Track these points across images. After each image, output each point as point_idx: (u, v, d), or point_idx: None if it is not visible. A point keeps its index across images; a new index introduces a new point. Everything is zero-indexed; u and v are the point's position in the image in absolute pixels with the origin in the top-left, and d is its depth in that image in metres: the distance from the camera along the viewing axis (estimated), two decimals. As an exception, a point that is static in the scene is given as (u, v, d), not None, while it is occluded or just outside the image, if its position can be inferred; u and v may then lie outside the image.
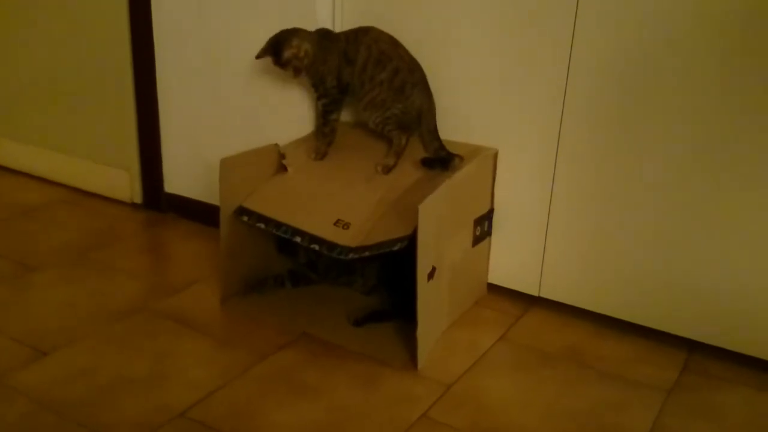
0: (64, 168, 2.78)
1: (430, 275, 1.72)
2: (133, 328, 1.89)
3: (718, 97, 1.68)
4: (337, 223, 1.80)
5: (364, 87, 1.92)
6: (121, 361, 1.75)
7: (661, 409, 1.64)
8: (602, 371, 1.77)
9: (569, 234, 1.93)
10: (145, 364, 1.74)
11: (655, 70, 1.72)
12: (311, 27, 1.96)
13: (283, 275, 2.07)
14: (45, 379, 1.67)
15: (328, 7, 2.07)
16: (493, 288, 2.09)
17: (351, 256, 1.74)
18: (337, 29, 2.02)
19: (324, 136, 2.00)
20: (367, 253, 1.74)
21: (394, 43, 1.92)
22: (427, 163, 1.91)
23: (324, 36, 1.95)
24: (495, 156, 1.97)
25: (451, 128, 1.98)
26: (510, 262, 2.04)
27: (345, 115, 2.07)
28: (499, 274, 2.07)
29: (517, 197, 1.98)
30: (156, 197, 2.60)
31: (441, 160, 1.90)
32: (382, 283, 2.00)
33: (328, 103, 1.97)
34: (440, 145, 1.93)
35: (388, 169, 1.92)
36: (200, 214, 2.47)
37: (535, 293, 2.03)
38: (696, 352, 1.84)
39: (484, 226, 2.00)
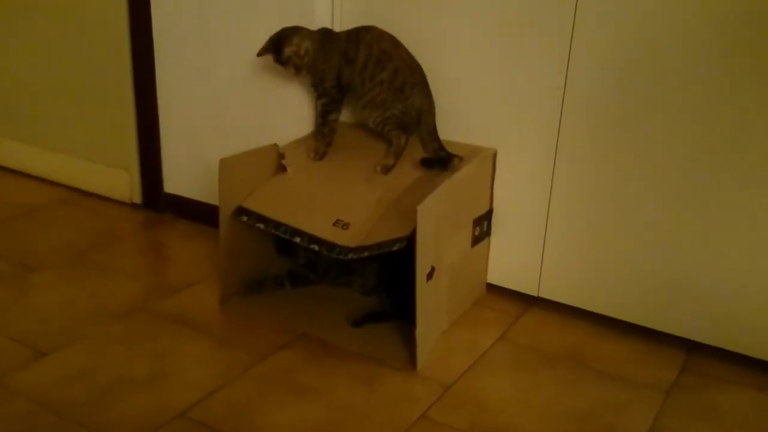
0: (64, 168, 2.78)
1: (430, 275, 1.72)
2: (132, 329, 1.89)
3: (718, 96, 1.68)
4: (336, 223, 1.80)
5: (365, 86, 1.92)
6: (120, 362, 1.75)
7: (660, 409, 1.64)
8: (602, 371, 1.77)
9: (569, 234, 1.93)
10: (144, 364, 1.74)
11: (654, 70, 1.72)
12: (310, 27, 1.96)
13: (283, 275, 2.07)
14: (45, 379, 1.67)
15: (326, 7, 2.07)
16: (493, 288, 2.09)
17: (350, 256, 1.74)
18: (337, 29, 2.02)
19: (323, 136, 2.01)
20: (366, 254, 1.74)
21: (395, 43, 1.92)
22: (427, 164, 1.91)
23: (325, 35, 1.95)
24: (494, 156, 1.97)
25: (451, 128, 1.98)
26: (509, 262, 2.04)
27: (344, 115, 2.07)
28: (498, 275, 2.07)
29: (516, 197, 1.98)
30: (155, 197, 2.59)
31: (440, 160, 1.90)
32: (382, 284, 1.99)
33: (328, 102, 1.98)
34: (439, 145, 1.93)
35: (387, 170, 1.92)
36: (200, 214, 2.47)
37: (534, 293, 2.03)
38: (695, 353, 1.84)
39: (483, 226, 2.00)
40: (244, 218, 1.87)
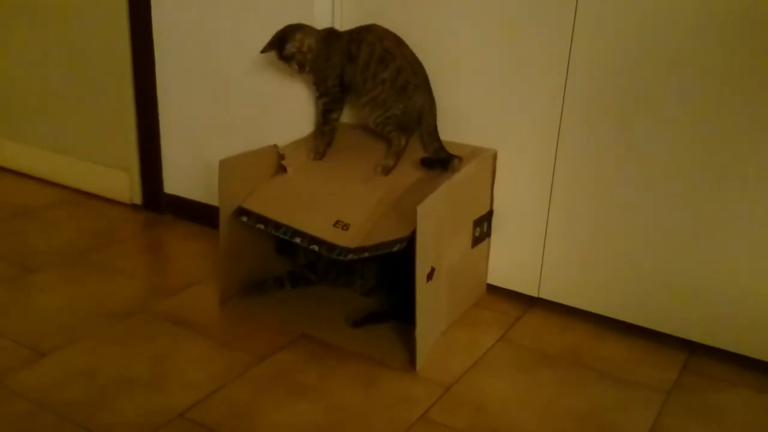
0: (64, 169, 2.78)
1: (429, 276, 1.72)
2: (132, 329, 1.89)
3: (718, 97, 1.68)
4: (336, 224, 1.80)
5: (366, 85, 1.92)
6: (120, 362, 1.75)
7: (660, 409, 1.64)
8: (602, 372, 1.77)
9: (569, 235, 1.93)
10: (144, 364, 1.74)
11: (654, 71, 1.72)
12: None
13: (283, 276, 2.07)
14: (44, 379, 1.67)
15: (326, 7, 2.07)
16: (493, 289, 2.09)
17: (350, 257, 1.74)
18: (337, 29, 2.02)
19: (323, 135, 2.01)
20: (366, 254, 1.74)
21: (398, 42, 1.92)
22: (427, 164, 1.91)
23: (329, 34, 1.96)
24: (494, 157, 1.97)
25: (451, 129, 1.98)
26: (509, 263, 2.04)
27: (345, 116, 2.07)
28: (498, 275, 2.07)
29: (516, 198, 1.98)
30: (155, 198, 2.60)
31: (440, 160, 1.90)
32: (382, 284, 1.99)
33: (329, 101, 1.98)
34: (440, 146, 1.93)
35: (387, 170, 1.92)
36: (200, 215, 2.47)
37: (534, 294, 2.03)
38: (696, 354, 1.84)
39: (483, 227, 2.00)
40: (244, 219, 1.87)
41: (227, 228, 1.91)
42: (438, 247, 1.77)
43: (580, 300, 1.97)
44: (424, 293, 1.70)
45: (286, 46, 1.92)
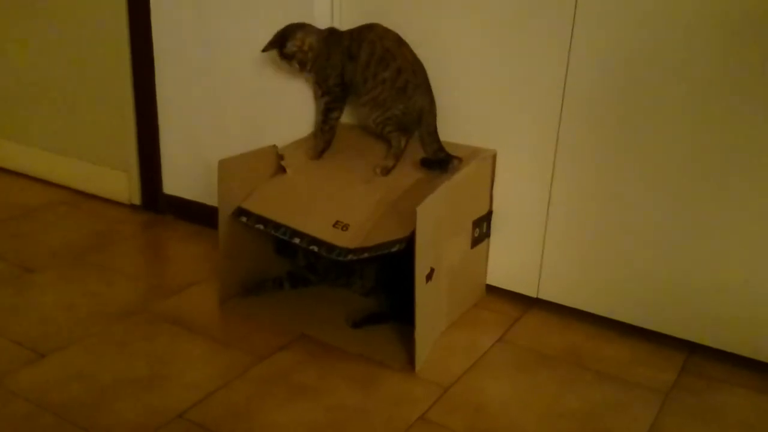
0: (63, 169, 2.78)
1: (429, 277, 1.72)
2: (131, 330, 1.89)
3: (718, 96, 1.68)
4: (336, 224, 1.80)
5: (367, 84, 1.92)
6: (119, 363, 1.75)
7: (659, 410, 1.64)
8: (601, 373, 1.77)
9: (568, 235, 1.94)
10: (143, 365, 1.74)
11: (654, 70, 1.73)
12: (310, 28, 1.97)
13: (282, 277, 2.07)
14: (43, 380, 1.67)
15: (326, 7, 2.07)
16: (492, 289, 2.09)
17: (350, 257, 1.74)
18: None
19: (323, 133, 2.01)
20: (365, 255, 1.74)
21: (399, 42, 1.92)
22: (426, 165, 1.92)
23: (330, 33, 1.96)
24: (494, 157, 1.97)
25: (450, 129, 1.98)
26: (508, 263, 2.04)
27: (344, 116, 2.06)
28: (497, 276, 2.07)
29: (515, 199, 1.98)
30: (155, 199, 2.60)
31: (440, 161, 1.90)
32: (381, 285, 1.99)
33: (331, 101, 1.98)
34: (439, 146, 1.93)
35: (386, 171, 1.92)
36: (199, 215, 2.47)
37: (533, 295, 2.03)
38: (695, 354, 1.84)
39: (482, 227, 2.00)
40: (244, 219, 1.87)
41: (226, 228, 1.91)
42: (437, 248, 1.77)
43: (580, 301, 1.97)
44: (424, 294, 1.70)
45: (288, 44, 1.92)
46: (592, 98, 1.81)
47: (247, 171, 1.92)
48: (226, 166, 1.85)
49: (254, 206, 1.88)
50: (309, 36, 1.92)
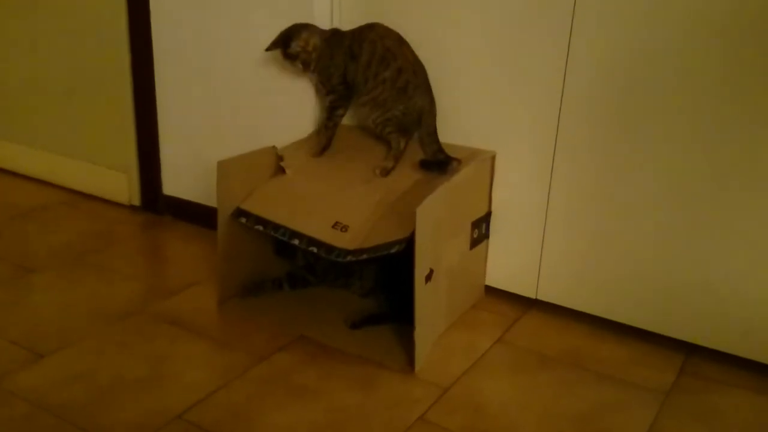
0: (63, 170, 2.78)
1: (428, 278, 1.72)
2: (131, 330, 1.89)
3: (718, 96, 1.68)
4: (335, 225, 1.80)
5: (368, 84, 1.92)
6: (119, 364, 1.75)
7: (658, 411, 1.64)
8: (600, 373, 1.77)
9: (567, 237, 1.94)
10: (142, 366, 1.74)
11: (654, 71, 1.73)
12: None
13: (281, 278, 2.07)
14: (43, 381, 1.67)
15: (326, 8, 2.07)
16: (491, 291, 2.09)
17: (349, 258, 1.74)
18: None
19: (326, 129, 2.01)
20: (365, 256, 1.74)
21: (400, 41, 1.92)
22: (425, 166, 1.92)
23: (333, 33, 1.96)
24: (493, 159, 1.97)
25: (450, 131, 1.98)
26: (507, 264, 2.05)
27: (344, 117, 2.06)
28: (496, 277, 2.08)
29: (514, 200, 1.98)
30: (154, 199, 2.60)
31: (439, 163, 1.90)
32: (380, 286, 2.00)
33: (336, 99, 1.98)
34: (439, 147, 1.93)
35: (386, 172, 1.93)
36: (198, 216, 2.47)
37: (532, 296, 2.03)
38: (694, 355, 1.84)
39: (481, 228, 2.00)
40: (243, 220, 1.87)
41: (226, 229, 1.91)
42: (436, 249, 1.77)
43: (578, 302, 1.97)
44: (423, 295, 1.70)
45: (292, 44, 1.92)
46: (591, 99, 1.82)
47: (247, 172, 1.92)
48: (225, 167, 1.85)
49: (253, 207, 1.88)
50: (313, 36, 1.92)
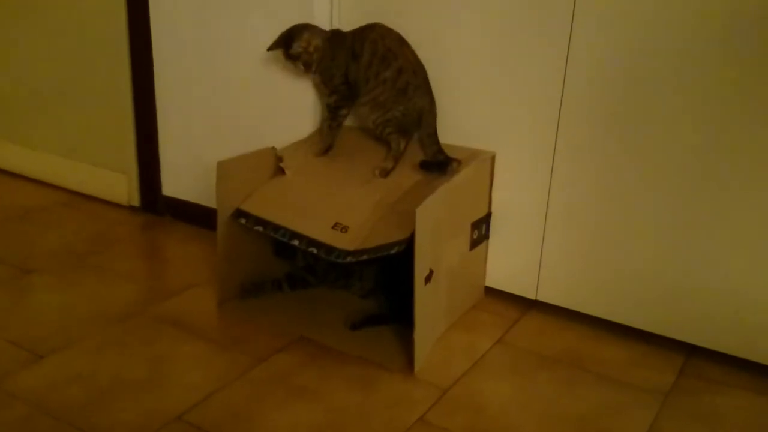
0: (62, 171, 2.78)
1: (428, 278, 1.72)
2: (130, 332, 1.89)
3: (718, 97, 1.68)
4: (335, 226, 1.80)
5: (369, 83, 1.92)
6: (118, 365, 1.75)
7: (658, 412, 1.64)
8: (600, 374, 1.77)
9: (567, 237, 1.94)
10: (142, 367, 1.74)
11: (654, 71, 1.73)
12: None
13: (281, 278, 2.06)
14: (42, 382, 1.67)
15: (325, 8, 2.07)
16: (491, 291, 2.09)
17: (349, 259, 1.74)
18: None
19: (331, 130, 2.01)
20: (365, 257, 1.74)
21: (401, 42, 1.92)
22: (425, 167, 1.92)
23: (335, 34, 1.96)
24: (492, 159, 1.97)
25: (449, 131, 1.98)
26: (507, 265, 2.04)
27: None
28: (496, 278, 2.07)
29: (514, 201, 1.98)
30: (154, 200, 2.60)
31: (438, 164, 1.90)
32: (380, 287, 2.00)
33: (339, 99, 1.97)
34: (438, 148, 1.93)
35: (386, 173, 1.93)
36: (198, 217, 2.47)
37: (532, 297, 2.03)
38: (694, 356, 1.84)
39: (481, 229, 2.00)
40: (243, 221, 1.87)
41: (225, 230, 1.91)
42: (436, 250, 1.77)
43: (578, 302, 1.97)
44: (423, 296, 1.70)
45: (294, 45, 1.92)
46: (590, 100, 1.82)
47: (246, 172, 1.92)
48: (224, 168, 1.85)
49: (253, 208, 1.88)
50: (315, 37, 1.92)
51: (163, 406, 1.60)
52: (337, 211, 1.84)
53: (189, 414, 1.58)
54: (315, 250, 1.78)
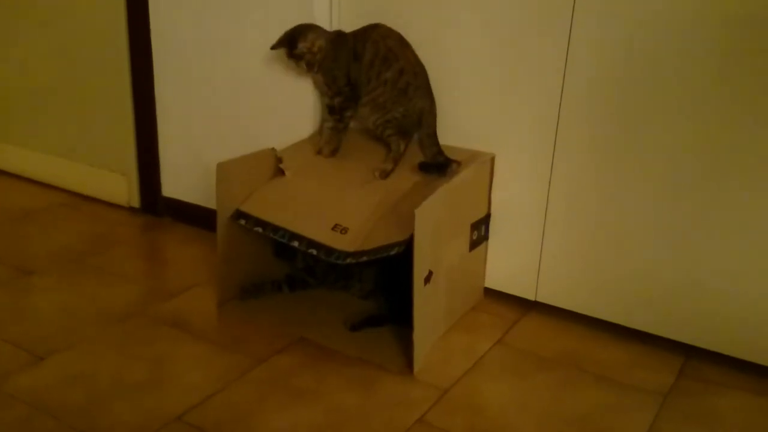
0: (62, 172, 2.78)
1: (427, 279, 1.72)
2: (130, 333, 1.89)
3: (718, 97, 1.68)
4: (334, 227, 1.80)
5: (370, 84, 1.92)
6: (118, 365, 1.75)
7: (657, 413, 1.64)
8: (599, 375, 1.77)
9: (566, 238, 1.94)
10: (142, 368, 1.74)
11: (653, 72, 1.73)
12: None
13: (281, 280, 2.07)
14: (42, 383, 1.67)
15: (325, 8, 2.07)
16: (490, 292, 2.09)
17: (348, 260, 1.74)
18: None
19: (337, 131, 2.00)
20: (364, 258, 1.74)
21: (402, 42, 1.92)
22: (425, 168, 1.92)
23: (338, 35, 1.96)
24: (492, 161, 1.98)
25: (449, 132, 1.98)
26: (507, 266, 2.05)
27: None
28: (495, 279, 2.08)
29: (514, 202, 1.98)
30: (154, 201, 2.60)
31: (438, 165, 1.90)
32: (380, 288, 2.00)
33: (343, 100, 1.97)
34: (438, 150, 1.93)
35: (385, 174, 1.93)
36: (198, 218, 2.47)
37: (531, 298, 2.04)
38: (693, 357, 1.84)
39: (481, 230, 2.00)
40: (243, 222, 1.87)
41: (225, 231, 1.91)
42: (436, 251, 1.78)
43: (578, 303, 1.97)
44: (422, 296, 1.70)
45: (298, 45, 1.92)
46: (590, 101, 1.82)
47: (246, 174, 1.92)
48: (224, 169, 1.85)
49: (253, 209, 1.88)
50: (319, 38, 1.92)
51: (163, 407, 1.60)
52: (337, 212, 1.84)
53: (189, 415, 1.58)
54: (315, 252, 1.78)
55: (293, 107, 2.17)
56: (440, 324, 1.92)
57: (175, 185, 2.54)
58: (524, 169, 1.94)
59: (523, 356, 1.85)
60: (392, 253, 1.71)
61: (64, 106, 2.70)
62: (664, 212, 1.80)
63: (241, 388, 1.68)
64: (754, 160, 1.67)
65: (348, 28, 1.99)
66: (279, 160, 1.97)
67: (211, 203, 2.24)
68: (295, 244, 1.80)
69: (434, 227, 1.74)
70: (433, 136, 1.95)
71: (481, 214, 1.99)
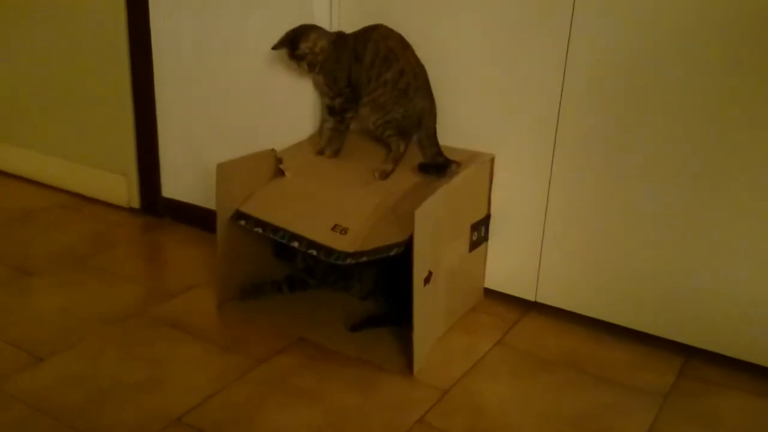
0: (62, 173, 2.78)
1: (427, 280, 1.72)
2: (130, 333, 1.89)
3: (718, 97, 1.67)
4: (334, 228, 1.80)
5: (370, 84, 1.92)
6: (118, 366, 1.75)
7: (657, 414, 1.64)
8: (599, 376, 1.77)
9: (566, 239, 1.94)
10: (142, 368, 1.74)
11: (653, 73, 1.73)
12: (309, 32, 1.97)
13: (281, 280, 2.07)
14: (42, 384, 1.67)
15: (325, 8, 2.07)
16: (490, 293, 2.09)
17: (348, 261, 1.74)
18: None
19: (339, 132, 2.00)
20: (364, 259, 1.74)
21: (403, 43, 1.92)
22: (425, 169, 1.92)
23: (339, 36, 1.96)
24: (492, 161, 1.98)
25: (449, 133, 1.98)
26: (507, 267, 2.05)
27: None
28: (495, 279, 2.08)
29: (514, 202, 1.98)
30: (153, 202, 2.60)
31: (438, 166, 1.90)
32: (379, 288, 2.00)
33: (344, 101, 1.97)
34: (438, 150, 1.93)
35: (385, 175, 1.93)
36: (198, 218, 2.47)
37: (531, 298, 2.03)
38: (693, 358, 1.84)
39: (480, 231, 2.00)
40: (243, 222, 1.87)
41: (225, 232, 1.91)
42: (435, 251, 1.78)
43: (578, 304, 1.97)
44: (422, 297, 1.70)
45: (300, 45, 1.92)
46: (589, 101, 1.82)
47: (246, 174, 1.92)
48: (224, 170, 1.85)
49: (253, 209, 1.88)
50: (321, 39, 1.92)
51: (163, 408, 1.60)
52: (337, 212, 1.84)
53: (189, 415, 1.58)
54: (315, 252, 1.78)
55: (293, 107, 2.17)
56: (440, 324, 1.92)
57: (175, 186, 2.54)
58: (524, 169, 1.94)
59: (523, 357, 1.85)
60: (392, 253, 1.71)
61: (64, 107, 2.70)
62: (664, 212, 1.79)
63: (240, 388, 1.68)
64: (754, 161, 1.67)
65: (348, 28, 1.99)
66: (279, 160, 1.97)
67: (211, 204, 2.24)
68: (295, 244, 1.80)
69: (434, 228, 1.74)
70: (433, 136, 1.95)
71: (481, 215, 1.99)
